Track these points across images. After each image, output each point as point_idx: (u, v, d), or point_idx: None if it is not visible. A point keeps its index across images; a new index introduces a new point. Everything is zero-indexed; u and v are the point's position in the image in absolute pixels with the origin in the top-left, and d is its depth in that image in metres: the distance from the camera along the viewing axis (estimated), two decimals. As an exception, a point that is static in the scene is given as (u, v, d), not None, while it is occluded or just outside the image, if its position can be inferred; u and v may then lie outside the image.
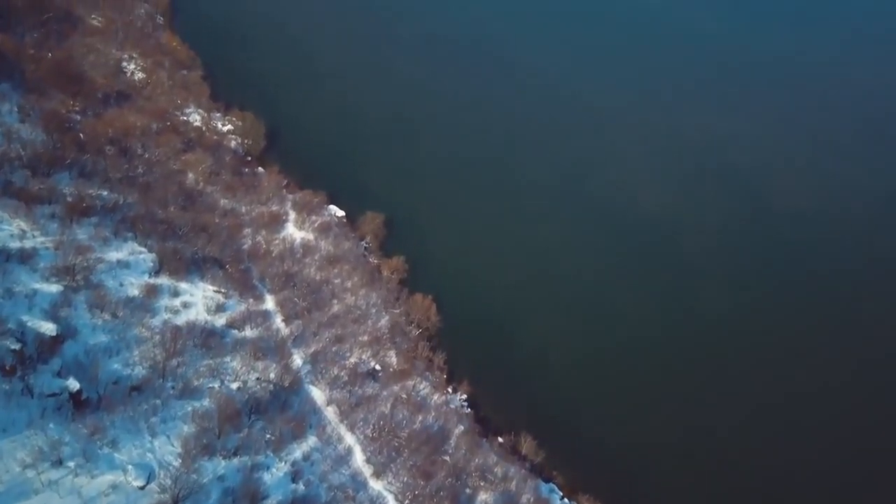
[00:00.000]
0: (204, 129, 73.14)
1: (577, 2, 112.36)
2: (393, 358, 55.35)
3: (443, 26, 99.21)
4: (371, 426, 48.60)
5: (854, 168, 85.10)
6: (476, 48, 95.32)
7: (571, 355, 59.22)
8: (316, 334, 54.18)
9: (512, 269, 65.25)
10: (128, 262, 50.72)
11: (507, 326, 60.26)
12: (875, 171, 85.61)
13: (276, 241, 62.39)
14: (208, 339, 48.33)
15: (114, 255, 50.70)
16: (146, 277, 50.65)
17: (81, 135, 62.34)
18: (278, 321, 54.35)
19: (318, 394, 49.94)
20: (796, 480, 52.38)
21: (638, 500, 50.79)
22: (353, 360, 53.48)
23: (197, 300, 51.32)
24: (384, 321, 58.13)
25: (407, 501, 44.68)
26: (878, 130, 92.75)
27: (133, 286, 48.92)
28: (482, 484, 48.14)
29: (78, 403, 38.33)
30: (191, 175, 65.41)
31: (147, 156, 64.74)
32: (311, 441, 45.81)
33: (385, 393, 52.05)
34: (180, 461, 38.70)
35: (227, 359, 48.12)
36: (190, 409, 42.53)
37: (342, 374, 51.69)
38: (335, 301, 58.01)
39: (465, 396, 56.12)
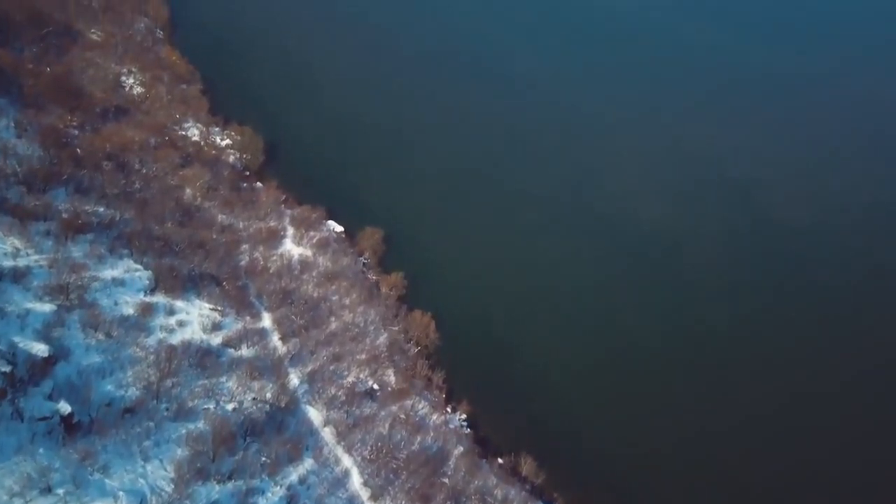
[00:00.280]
0: (202, 143, 72.80)
1: (577, 15, 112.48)
2: (391, 377, 54.60)
3: (442, 41, 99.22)
4: (369, 447, 47.77)
5: (854, 180, 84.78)
6: (475, 63, 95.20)
7: (573, 372, 58.49)
8: (313, 353, 53.47)
9: (512, 285, 64.67)
10: (123, 280, 50.08)
11: (507, 343, 59.55)
12: (875, 183, 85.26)
13: (274, 258, 61.82)
14: (204, 359, 47.58)
15: (109, 272, 50.06)
16: (141, 296, 50.00)
17: (79, 150, 61.87)
18: (275, 339, 53.65)
19: (315, 414, 49.13)
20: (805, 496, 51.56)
21: (641, 523, 49.92)
22: (350, 379, 52.72)
23: (193, 318, 50.64)
24: (382, 339, 57.44)
25: (405, 526, 43.85)
26: (878, 142, 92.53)
27: (128, 305, 48.25)
28: (482, 507, 47.25)
29: (69, 427, 37.52)
30: (188, 190, 64.94)
31: (144, 171, 64.30)
32: (308, 463, 44.95)
33: (383, 413, 51.25)
34: (173, 487, 37.86)
35: (223, 379, 47.36)
36: (184, 431, 41.72)
37: (340, 393, 50.92)
38: (333, 318, 57.34)
39: (464, 416, 55.31)
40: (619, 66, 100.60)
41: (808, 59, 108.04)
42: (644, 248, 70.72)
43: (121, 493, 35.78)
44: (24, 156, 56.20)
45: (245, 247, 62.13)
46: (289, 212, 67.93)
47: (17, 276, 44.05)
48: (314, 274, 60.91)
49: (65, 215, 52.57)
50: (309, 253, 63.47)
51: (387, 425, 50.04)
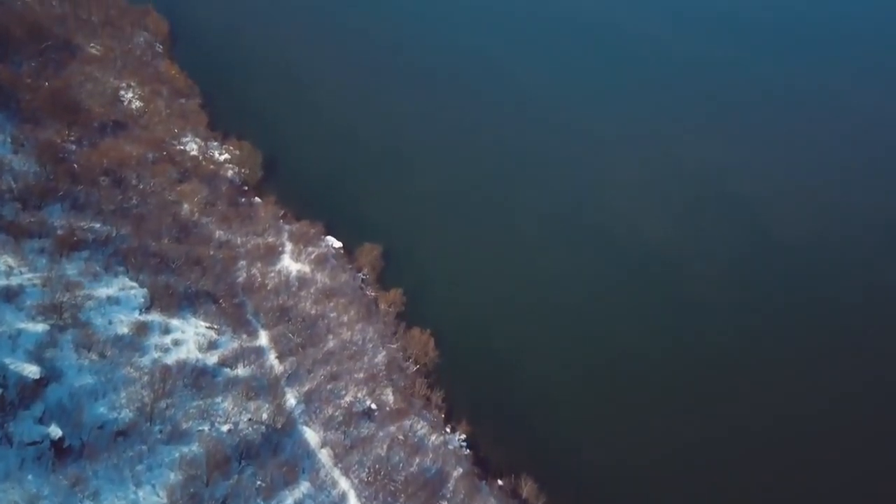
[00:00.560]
0: (201, 158, 72.40)
1: (576, 31, 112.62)
2: (389, 396, 53.73)
3: (442, 57, 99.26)
4: (366, 469, 46.86)
5: (857, 196, 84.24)
6: (475, 79, 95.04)
7: (574, 391, 57.56)
8: (310, 372, 52.66)
9: (512, 302, 63.94)
10: (118, 299, 49.38)
11: (507, 361, 58.69)
12: (877, 200, 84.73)
13: (272, 274, 61.18)
14: (199, 379, 46.81)
15: (104, 291, 49.40)
16: (136, 314, 49.29)
17: (76, 165, 61.47)
18: (272, 358, 52.88)
19: (311, 435, 48.26)
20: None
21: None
22: (348, 398, 51.88)
23: (188, 337, 49.89)
24: (381, 357, 56.65)
25: (403, 551, 42.86)
26: (880, 159, 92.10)
27: (122, 324, 47.53)
28: (481, 531, 46.31)
29: (59, 452, 36.74)
30: (186, 206, 64.43)
31: (142, 186, 63.84)
32: (304, 487, 44.06)
33: (381, 434, 50.35)
34: (165, 513, 37.04)
35: (218, 399, 46.56)
36: (177, 454, 40.87)
37: (337, 413, 50.07)
38: (331, 336, 56.57)
39: (463, 436, 54.33)
40: (621, 82, 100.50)
41: (811, 74, 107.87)
42: (645, 264, 70.05)
43: (111, 520, 34.94)
44: (19, 172, 55.78)
45: (242, 263, 61.52)
46: (287, 227, 67.39)
47: (10, 296, 43.39)
48: (312, 290, 60.23)
49: (60, 232, 52.00)
50: (307, 269, 62.84)
51: (385, 446, 49.14)
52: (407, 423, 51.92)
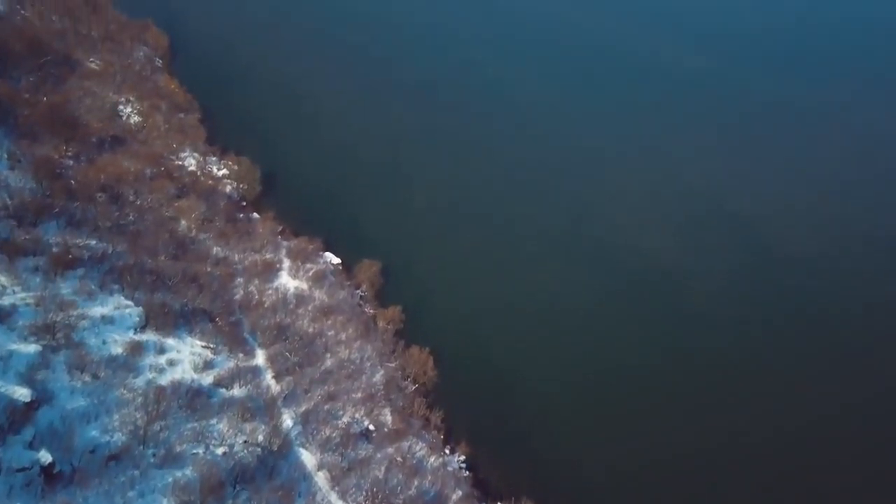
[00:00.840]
0: (199, 173, 72.01)
1: (576, 48, 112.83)
2: (388, 416, 52.92)
3: (440, 72, 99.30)
4: (364, 493, 45.93)
5: (858, 212, 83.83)
6: (475, 96, 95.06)
7: (575, 410, 56.71)
8: (307, 392, 51.86)
9: (512, 320, 63.21)
10: (112, 318, 48.68)
11: (507, 380, 57.88)
12: (876, 214, 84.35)
13: (269, 291, 60.53)
14: (194, 400, 46.02)
15: (98, 310, 48.71)
16: (131, 334, 48.58)
17: (73, 181, 61.01)
18: (268, 378, 52.10)
19: (308, 457, 47.38)
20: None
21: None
22: (345, 419, 51.04)
23: (184, 357, 49.17)
24: (379, 376, 55.87)
25: (401, 579, 41.86)
26: (882, 175, 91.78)
27: (116, 344, 46.81)
28: (481, 557, 45.33)
29: (49, 477, 35.91)
30: (183, 222, 63.92)
31: (139, 202, 63.36)
32: (300, 512, 43.16)
33: (379, 455, 49.47)
34: (157, 541, 36.16)
35: (214, 421, 45.75)
36: (171, 479, 40.01)
37: (334, 435, 49.19)
38: (328, 355, 55.81)
39: (463, 457, 53.41)
40: (620, 97, 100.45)
41: (813, 91, 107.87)
42: (645, 281, 69.42)
43: (101, 549, 34.05)
44: (15, 188, 55.31)
45: (240, 280, 60.89)
46: (285, 243, 66.83)
47: (2, 316, 42.77)
48: (310, 308, 59.54)
49: (55, 250, 51.40)
50: (305, 286, 62.20)
51: (383, 468, 48.24)
52: (405, 444, 51.08)
